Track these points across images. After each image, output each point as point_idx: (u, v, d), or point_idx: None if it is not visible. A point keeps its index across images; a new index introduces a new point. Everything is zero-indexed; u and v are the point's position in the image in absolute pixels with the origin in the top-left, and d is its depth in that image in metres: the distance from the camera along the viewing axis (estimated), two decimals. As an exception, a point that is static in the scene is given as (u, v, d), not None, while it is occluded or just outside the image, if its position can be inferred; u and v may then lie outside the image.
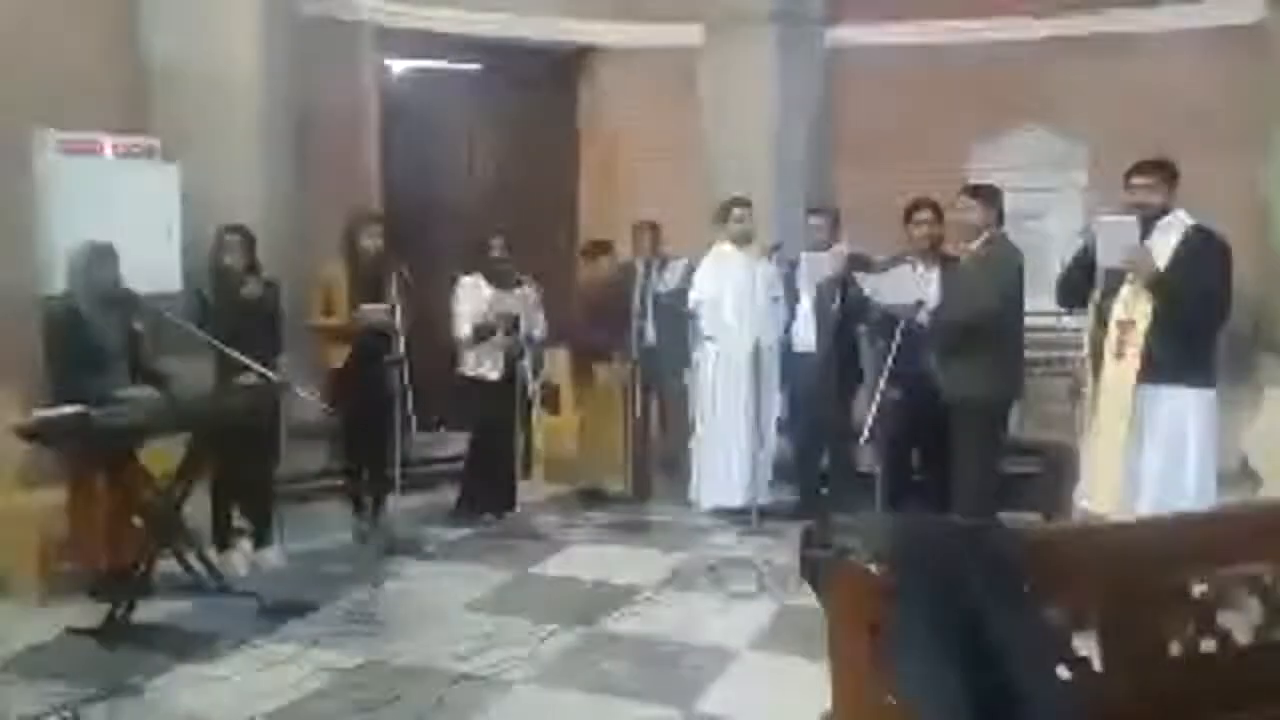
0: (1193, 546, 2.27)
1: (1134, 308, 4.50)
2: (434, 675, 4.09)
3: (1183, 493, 4.43)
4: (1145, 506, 4.38)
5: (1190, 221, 4.54)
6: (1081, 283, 4.75)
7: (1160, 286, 4.42)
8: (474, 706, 3.85)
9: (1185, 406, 4.50)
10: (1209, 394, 4.55)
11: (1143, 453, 4.50)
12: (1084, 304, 4.80)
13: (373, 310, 5.63)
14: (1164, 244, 4.50)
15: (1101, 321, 4.62)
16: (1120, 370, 4.52)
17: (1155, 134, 6.31)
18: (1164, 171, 4.58)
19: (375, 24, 7.60)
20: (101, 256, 4.82)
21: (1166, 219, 4.54)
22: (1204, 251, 4.49)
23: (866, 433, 5.02)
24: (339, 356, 5.73)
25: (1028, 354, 5.59)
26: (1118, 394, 4.53)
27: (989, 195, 5.39)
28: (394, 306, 5.60)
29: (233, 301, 5.22)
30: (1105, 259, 4.53)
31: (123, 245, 4.92)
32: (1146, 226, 4.52)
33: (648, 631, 4.61)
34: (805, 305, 6.28)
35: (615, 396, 6.69)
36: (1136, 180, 4.60)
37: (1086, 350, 4.72)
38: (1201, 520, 2.54)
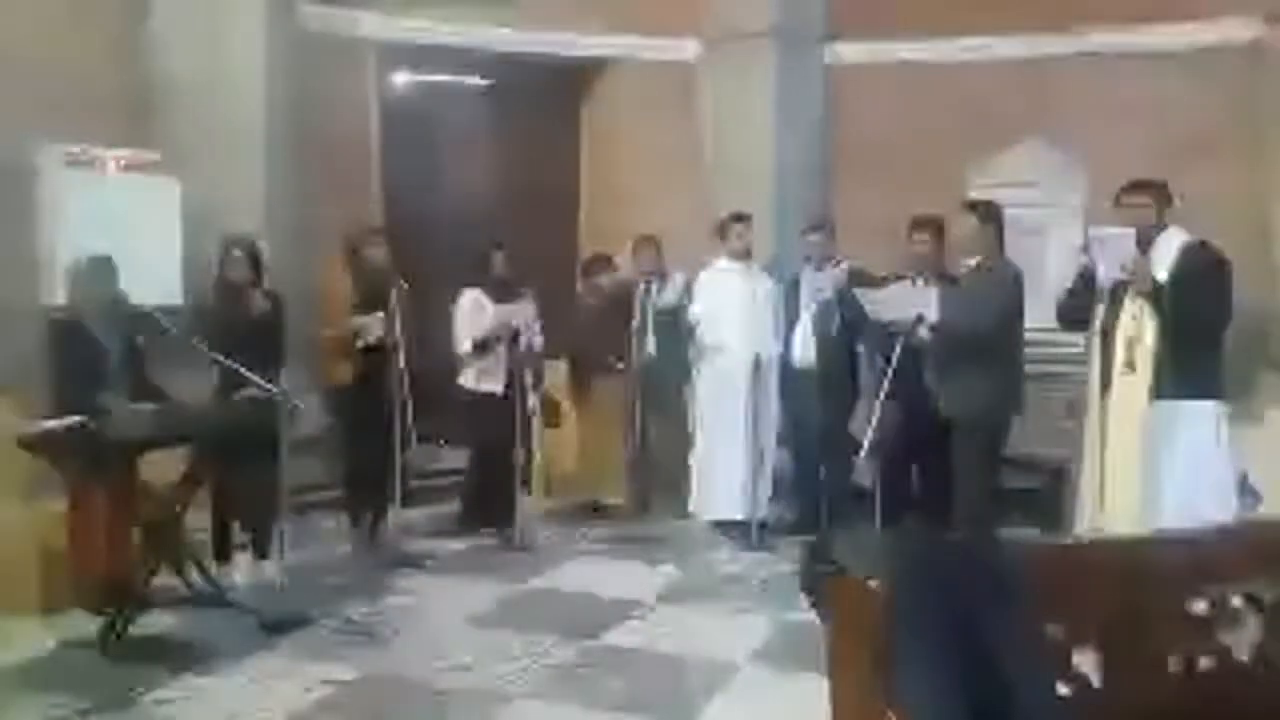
0: (1192, 563, 2.28)
1: (1141, 323, 4.52)
2: (433, 689, 4.09)
3: (1201, 506, 4.42)
4: (1166, 521, 4.36)
5: (1187, 236, 4.57)
6: (1083, 302, 4.77)
7: (1159, 297, 4.43)
8: (473, 721, 3.85)
9: (1198, 420, 4.51)
10: (1219, 406, 4.56)
11: (1160, 468, 4.49)
12: (1086, 323, 4.81)
13: (367, 322, 5.61)
14: (1162, 259, 4.52)
15: (1106, 338, 4.63)
16: (1132, 387, 4.53)
17: (1153, 150, 6.34)
18: (1155, 189, 4.61)
19: (377, 38, 7.64)
20: (100, 269, 4.82)
21: (1163, 235, 4.57)
22: (1202, 264, 4.51)
23: (865, 448, 5.02)
24: (341, 370, 5.73)
25: (1027, 369, 5.60)
26: (1130, 410, 4.53)
27: (989, 211, 5.41)
28: (393, 319, 5.59)
29: (236, 315, 5.22)
30: (1104, 272, 4.55)
31: (124, 259, 4.94)
32: (1143, 243, 4.55)
33: (647, 645, 4.60)
34: (804, 321, 6.28)
35: (615, 410, 6.70)
36: (1127, 200, 4.64)
37: (1094, 367, 4.72)
38: (1201, 537, 2.54)
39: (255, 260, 5.38)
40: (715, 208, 7.15)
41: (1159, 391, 4.47)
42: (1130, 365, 4.54)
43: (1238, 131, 7.01)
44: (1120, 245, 4.49)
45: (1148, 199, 4.59)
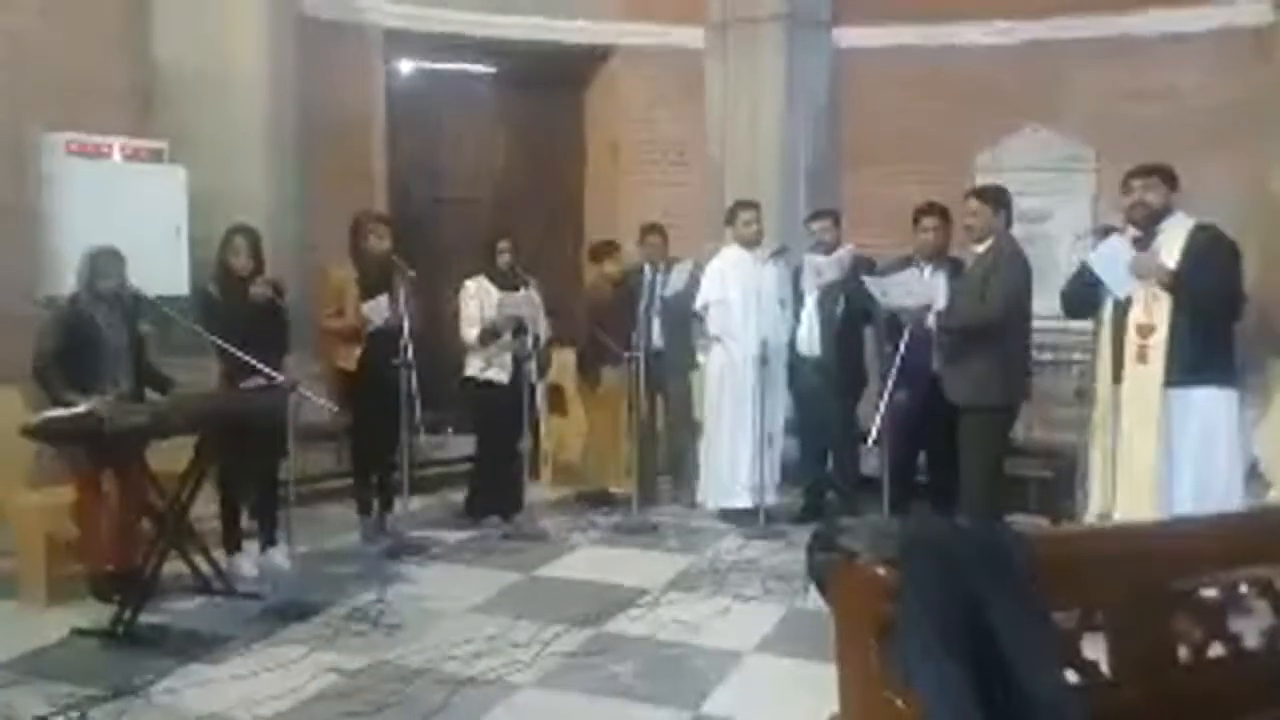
0: (1202, 550, 2.26)
1: (1153, 311, 4.49)
2: (440, 677, 4.09)
3: (1214, 493, 4.40)
4: (1176, 508, 4.34)
5: (1193, 220, 4.55)
6: (1088, 295, 4.73)
7: (1178, 285, 4.40)
8: (480, 709, 3.85)
9: (1213, 406, 4.48)
10: (1233, 393, 4.54)
11: (1171, 455, 4.47)
12: (1092, 311, 4.78)
13: (374, 306, 5.62)
14: (1171, 244, 4.50)
15: (1117, 326, 4.60)
16: (1145, 374, 4.50)
17: (1162, 135, 6.31)
18: (1162, 173, 4.59)
19: (382, 25, 7.62)
20: (107, 259, 4.83)
21: (1170, 220, 4.55)
22: (1212, 248, 4.49)
23: (873, 435, 5.01)
24: (348, 358, 5.73)
25: (1034, 356, 5.58)
26: (1144, 398, 4.49)
27: (996, 197, 5.38)
28: (401, 307, 5.59)
29: (239, 303, 5.22)
30: (1113, 286, 4.52)
31: (130, 247, 4.94)
32: (1150, 229, 4.53)
33: (654, 634, 4.60)
34: (809, 307, 6.27)
35: (622, 398, 6.69)
36: (1135, 182, 4.61)
37: (1104, 354, 4.69)
38: (1210, 524, 2.52)
39: (257, 246, 5.37)
40: (723, 195, 7.14)
41: (1171, 378, 4.45)
42: (1142, 352, 4.51)
43: (1247, 117, 6.96)
44: (1115, 251, 4.48)
45: (1154, 180, 4.57)
